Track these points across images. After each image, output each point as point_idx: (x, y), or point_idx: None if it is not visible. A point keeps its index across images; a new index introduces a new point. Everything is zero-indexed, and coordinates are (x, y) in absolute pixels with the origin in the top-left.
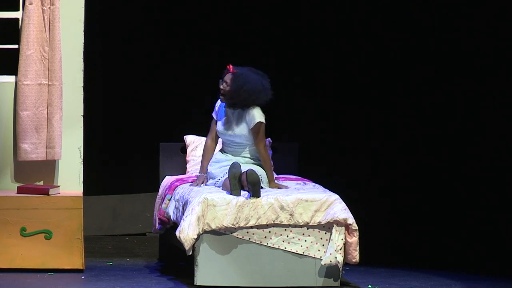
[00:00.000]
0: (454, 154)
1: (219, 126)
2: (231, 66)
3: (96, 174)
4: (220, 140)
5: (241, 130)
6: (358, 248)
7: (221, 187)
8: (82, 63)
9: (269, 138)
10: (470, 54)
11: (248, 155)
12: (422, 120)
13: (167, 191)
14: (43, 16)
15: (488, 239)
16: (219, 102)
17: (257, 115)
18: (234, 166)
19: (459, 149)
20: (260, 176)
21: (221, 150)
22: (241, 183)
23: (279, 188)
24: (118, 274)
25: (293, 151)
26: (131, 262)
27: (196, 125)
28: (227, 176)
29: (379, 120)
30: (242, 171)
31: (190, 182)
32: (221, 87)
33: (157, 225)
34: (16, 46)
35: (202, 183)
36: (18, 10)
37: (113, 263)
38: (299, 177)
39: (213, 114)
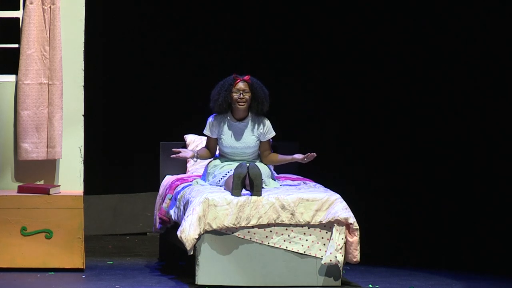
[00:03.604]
0: (454, 154)
1: (227, 140)
2: (247, 77)
3: (96, 173)
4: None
5: (253, 141)
6: (358, 247)
7: (223, 187)
8: (83, 62)
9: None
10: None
11: (258, 161)
12: (423, 120)
13: (167, 190)
14: (43, 16)
15: (488, 239)
16: (212, 119)
17: (271, 127)
18: (241, 166)
19: (460, 150)
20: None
21: (221, 158)
22: (244, 183)
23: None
24: (119, 274)
25: (293, 151)
26: (131, 261)
27: (196, 124)
28: (231, 174)
29: (380, 120)
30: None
31: (190, 181)
32: (238, 96)
33: (157, 224)
34: (16, 46)
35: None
36: (18, 9)
37: (113, 262)
38: (299, 177)
39: (208, 132)
